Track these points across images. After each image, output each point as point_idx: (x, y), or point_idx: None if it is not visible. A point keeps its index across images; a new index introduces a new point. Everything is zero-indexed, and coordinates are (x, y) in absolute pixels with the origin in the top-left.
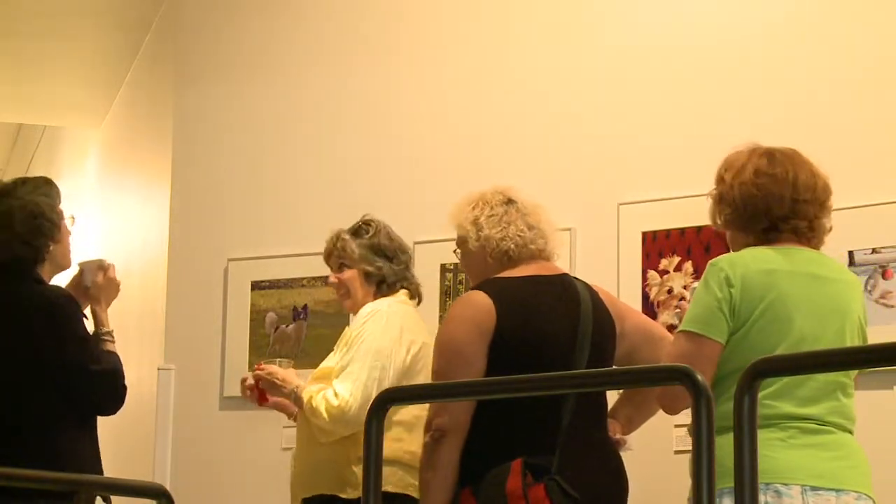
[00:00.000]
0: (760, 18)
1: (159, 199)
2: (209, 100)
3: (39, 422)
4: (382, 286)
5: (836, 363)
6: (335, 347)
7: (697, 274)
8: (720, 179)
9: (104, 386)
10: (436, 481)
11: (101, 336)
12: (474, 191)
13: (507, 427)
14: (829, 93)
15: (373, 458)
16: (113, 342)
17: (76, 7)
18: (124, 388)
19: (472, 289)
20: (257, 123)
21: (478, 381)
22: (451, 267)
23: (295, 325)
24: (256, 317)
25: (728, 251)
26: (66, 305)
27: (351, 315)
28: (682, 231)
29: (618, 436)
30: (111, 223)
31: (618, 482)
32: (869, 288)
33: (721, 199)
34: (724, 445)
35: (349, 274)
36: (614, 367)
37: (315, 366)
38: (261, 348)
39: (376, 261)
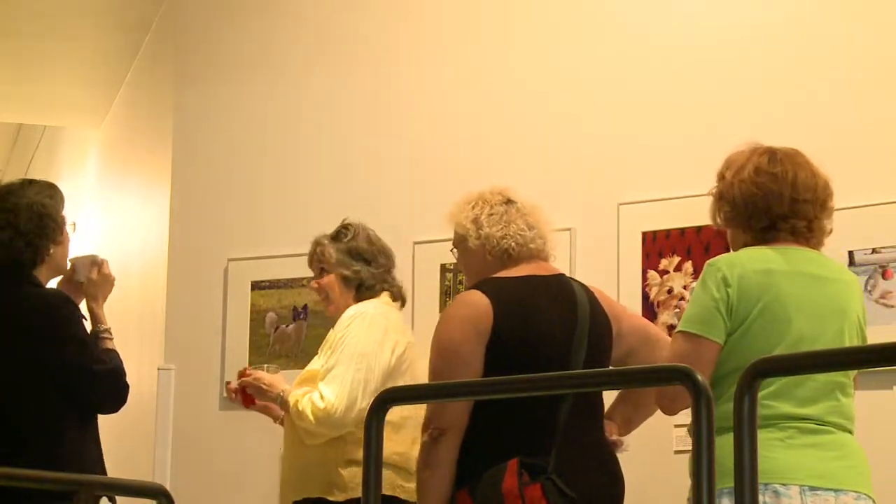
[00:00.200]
0: (760, 18)
1: (159, 199)
2: (209, 100)
3: (40, 423)
4: (362, 290)
5: (835, 363)
6: (320, 350)
7: (697, 274)
8: (721, 177)
9: (106, 385)
10: (434, 480)
11: (99, 334)
12: (472, 191)
13: (504, 427)
14: (829, 93)
15: (373, 459)
16: (111, 339)
17: (76, 7)
18: (126, 386)
19: (469, 288)
20: (257, 123)
21: (478, 380)
22: (451, 267)
23: (295, 325)
24: (256, 317)
25: (728, 251)
26: (63, 307)
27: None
28: (682, 231)
29: (614, 437)
30: (111, 223)
31: (614, 482)
32: (869, 288)
33: (721, 197)
34: (724, 445)
35: (328, 279)
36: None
37: None
38: (261, 348)
39: (354, 265)
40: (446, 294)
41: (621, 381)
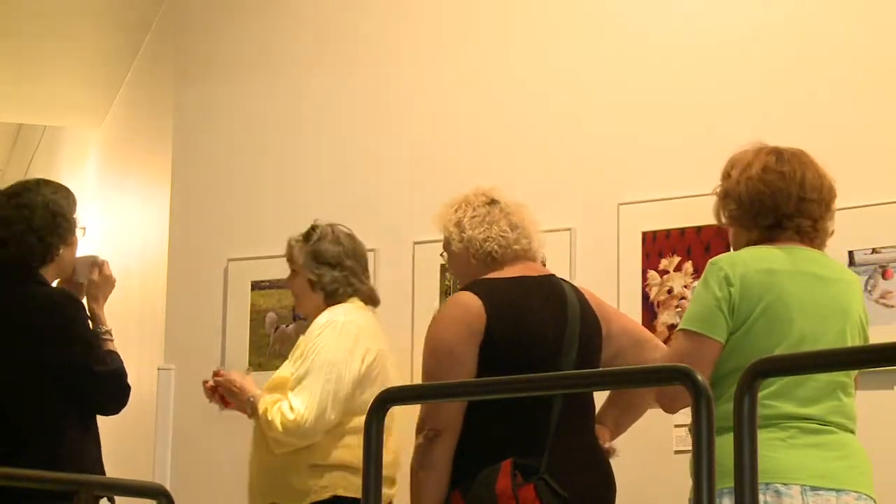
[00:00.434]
0: (760, 18)
1: (159, 199)
2: (209, 100)
3: (41, 423)
4: (327, 295)
5: (836, 363)
6: (290, 355)
7: (697, 274)
8: (726, 176)
9: (109, 386)
10: (430, 481)
11: (100, 335)
12: (458, 193)
13: (497, 428)
14: (830, 93)
15: (373, 459)
16: (112, 341)
17: (76, 7)
18: (128, 388)
19: (461, 289)
20: (257, 123)
21: (477, 381)
22: None
23: (295, 325)
24: (256, 317)
25: (729, 250)
26: (69, 307)
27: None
28: (682, 231)
29: (607, 444)
30: (111, 223)
31: (606, 483)
32: (869, 288)
33: (726, 195)
34: (724, 445)
35: (297, 281)
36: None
37: None
38: (261, 348)
39: (317, 268)
40: (446, 294)
41: (621, 381)
